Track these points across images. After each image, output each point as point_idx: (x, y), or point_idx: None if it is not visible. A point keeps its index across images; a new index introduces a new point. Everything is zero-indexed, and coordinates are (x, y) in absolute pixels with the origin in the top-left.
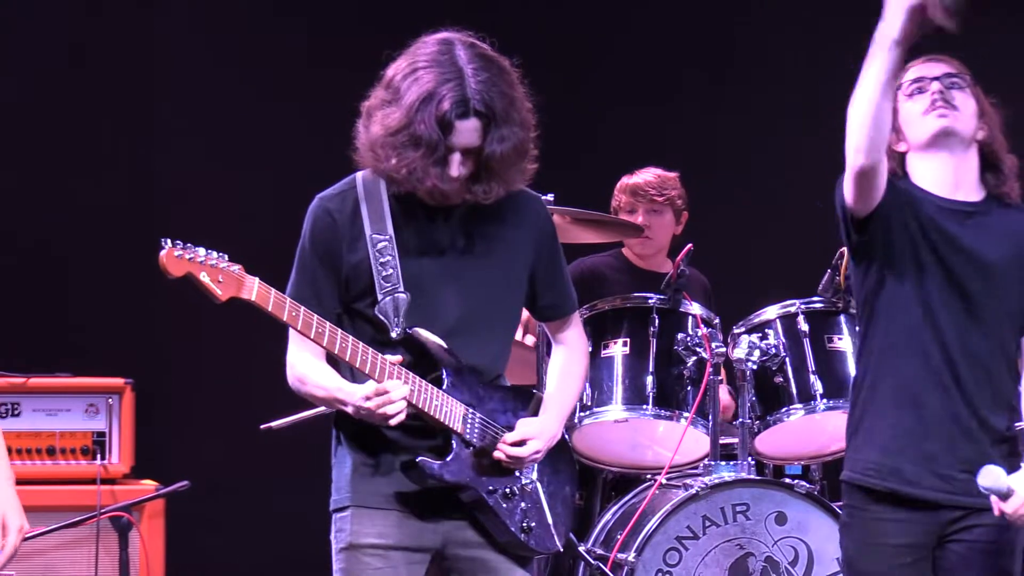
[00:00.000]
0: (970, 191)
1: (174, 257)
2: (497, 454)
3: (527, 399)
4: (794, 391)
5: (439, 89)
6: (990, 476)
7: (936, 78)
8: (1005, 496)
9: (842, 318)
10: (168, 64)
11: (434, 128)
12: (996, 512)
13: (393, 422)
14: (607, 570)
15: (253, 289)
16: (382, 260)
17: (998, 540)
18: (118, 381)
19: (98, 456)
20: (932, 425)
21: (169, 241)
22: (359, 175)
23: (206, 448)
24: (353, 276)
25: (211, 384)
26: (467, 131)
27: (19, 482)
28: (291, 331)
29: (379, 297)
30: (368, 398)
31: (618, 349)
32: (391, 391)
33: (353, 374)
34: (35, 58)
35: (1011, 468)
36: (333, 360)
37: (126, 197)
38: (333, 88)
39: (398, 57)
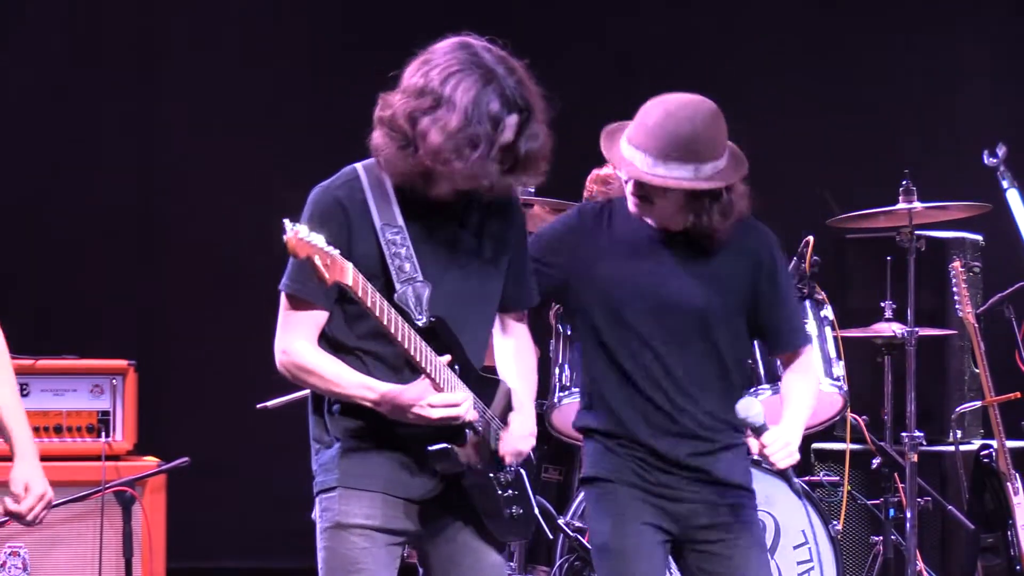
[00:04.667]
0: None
1: (303, 241)
2: (509, 459)
3: (495, 387)
4: (761, 372)
5: (485, 89)
6: (746, 407)
7: (637, 184)
8: (759, 431)
9: (807, 303)
10: (172, 59)
11: (488, 127)
12: (755, 452)
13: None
14: (585, 542)
15: (349, 274)
16: (395, 251)
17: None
18: (122, 363)
19: (103, 434)
20: (651, 434)
21: (292, 224)
22: (359, 166)
23: (205, 427)
24: (357, 266)
25: (210, 366)
26: (510, 128)
27: None
28: (281, 317)
29: (397, 287)
30: (433, 405)
31: None
32: (460, 404)
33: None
34: (41, 54)
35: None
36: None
37: (130, 189)
38: (338, 85)
39: (412, 64)
